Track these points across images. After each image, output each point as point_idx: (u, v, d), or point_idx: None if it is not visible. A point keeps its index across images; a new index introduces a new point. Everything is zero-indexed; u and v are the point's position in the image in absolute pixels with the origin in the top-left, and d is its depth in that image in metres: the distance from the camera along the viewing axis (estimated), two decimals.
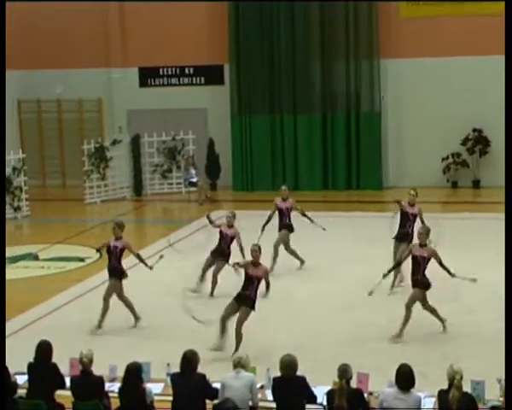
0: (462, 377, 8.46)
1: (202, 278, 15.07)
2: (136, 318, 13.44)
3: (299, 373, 9.03)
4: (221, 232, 14.96)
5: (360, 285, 15.24)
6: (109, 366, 10.12)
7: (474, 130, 24.19)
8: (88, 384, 9.20)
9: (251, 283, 11.99)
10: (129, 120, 26.45)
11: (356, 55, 24.65)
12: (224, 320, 11.99)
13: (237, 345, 11.73)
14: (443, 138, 24.36)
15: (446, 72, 24.20)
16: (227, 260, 14.39)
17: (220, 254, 14.78)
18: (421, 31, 24.22)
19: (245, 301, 11.92)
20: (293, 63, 24.92)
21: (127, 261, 16.12)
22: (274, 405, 9.08)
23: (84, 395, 9.13)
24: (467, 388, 8.75)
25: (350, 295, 14.84)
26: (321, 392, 9.16)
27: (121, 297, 13.36)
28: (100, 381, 9.29)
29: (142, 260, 13.61)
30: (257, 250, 12.12)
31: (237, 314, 11.94)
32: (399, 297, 14.66)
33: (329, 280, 15.75)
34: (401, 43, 24.51)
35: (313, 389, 9.16)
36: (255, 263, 12.09)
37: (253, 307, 11.93)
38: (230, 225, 14.94)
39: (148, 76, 26.46)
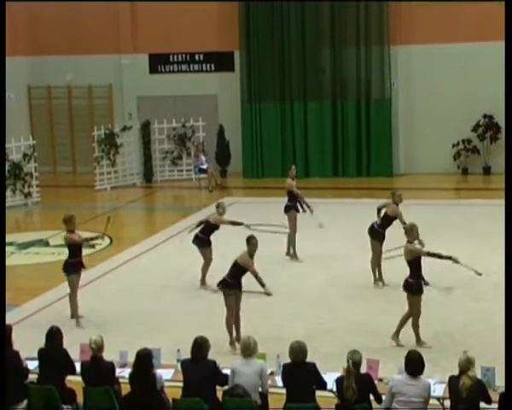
0: (474, 366, 8.48)
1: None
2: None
3: (308, 360, 9.05)
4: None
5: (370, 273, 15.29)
6: (120, 352, 10.14)
7: (485, 116, 24.09)
8: (98, 370, 9.22)
9: (242, 274, 12.09)
10: (139, 106, 26.43)
11: (366, 42, 24.54)
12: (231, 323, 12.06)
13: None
14: (453, 125, 24.28)
15: (457, 58, 24.09)
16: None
17: None
18: (431, 17, 24.08)
19: (238, 286, 12.02)
20: (304, 50, 24.83)
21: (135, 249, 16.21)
22: (284, 391, 9.10)
23: (94, 380, 9.16)
24: (477, 374, 8.74)
25: (361, 282, 14.84)
26: (331, 379, 9.16)
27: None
28: (110, 367, 9.31)
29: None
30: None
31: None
32: None
33: (340, 267, 15.74)
34: (412, 29, 24.38)
35: (323, 375, 9.16)
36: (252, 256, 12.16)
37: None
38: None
39: (158, 62, 26.42)
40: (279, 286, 14.35)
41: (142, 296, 14.27)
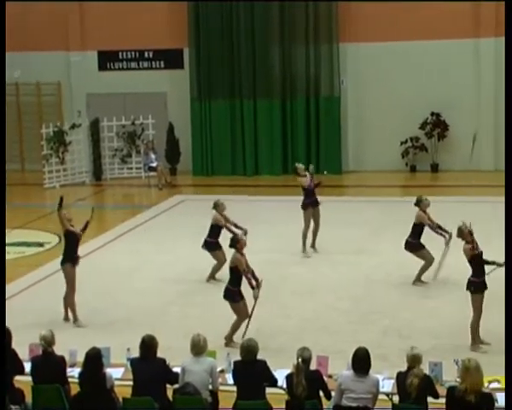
0: (421, 363, 8.58)
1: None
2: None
3: (259, 357, 9.07)
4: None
5: (326, 269, 15.41)
6: (69, 351, 10.06)
7: (433, 114, 24.34)
8: (48, 365, 9.17)
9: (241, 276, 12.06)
10: (88, 103, 26.23)
11: (315, 40, 24.63)
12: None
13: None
14: (402, 122, 24.49)
15: (404, 56, 24.31)
16: None
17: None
18: (380, 15, 24.24)
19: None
20: (253, 48, 24.85)
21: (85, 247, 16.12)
22: (234, 388, 9.11)
23: (44, 376, 9.09)
24: (425, 369, 8.85)
25: (310, 278, 14.93)
26: (281, 375, 9.19)
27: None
28: (61, 361, 9.27)
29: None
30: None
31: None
32: (362, 284, 14.84)
33: (291, 265, 15.80)
34: (361, 27, 24.53)
35: (274, 372, 9.19)
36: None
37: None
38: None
39: (107, 60, 26.24)
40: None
41: (93, 294, 14.17)
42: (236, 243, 12.04)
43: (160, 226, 19.29)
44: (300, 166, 16.76)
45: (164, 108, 25.96)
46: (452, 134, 24.36)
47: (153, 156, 24.32)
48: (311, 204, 16.27)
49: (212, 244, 14.76)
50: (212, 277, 14.78)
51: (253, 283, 11.89)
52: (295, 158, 25.02)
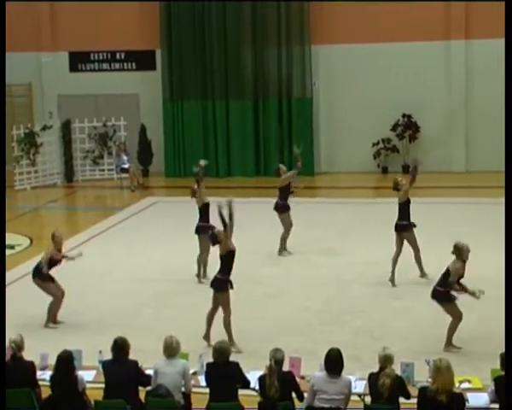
0: (392, 363, 8.62)
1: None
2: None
3: (231, 359, 9.06)
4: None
5: (298, 270, 15.43)
6: (40, 355, 9.99)
7: (404, 115, 24.47)
8: (18, 369, 9.10)
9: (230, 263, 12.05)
10: (59, 105, 26.10)
11: (288, 41, 24.68)
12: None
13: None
14: (373, 124, 24.60)
15: (376, 58, 24.42)
16: None
17: None
18: (351, 17, 24.35)
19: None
20: (225, 49, 24.85)
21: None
22: (207, 390, 9.10)
23: (14, 380, 9.01)
24: (397, 370, 8.89)
25: (285, 279, 14.94)
26: (254, 377, 9.19)
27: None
28: (31, 365, 9.21)
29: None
30: None
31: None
32: (334, 284, 14.87)
33: (263, 266, 15.81)
34: (332, 29, 24.61)
35: (246, 374, 9.20)
36: None
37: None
38: None
39: (78, 61, 26.13)
40: (202, 287, 14.36)
41: (65, 297, 14.06)
42: (216, 238, 11.91)
43: (132, 228, 19.23)
44: (283, 167, 16.77)
45: (136, 109, 25.88)
46: (423, 135, 24.50)
47: (125, 158, 24.23)
48: (287, 207, 16.29)
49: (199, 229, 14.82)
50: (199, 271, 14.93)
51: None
52: (268, 159, 25.14)
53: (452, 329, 11.47)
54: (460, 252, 11.42)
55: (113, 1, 25.10)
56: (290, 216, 16.31)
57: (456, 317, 11.41)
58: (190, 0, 24.72)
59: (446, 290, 11.39)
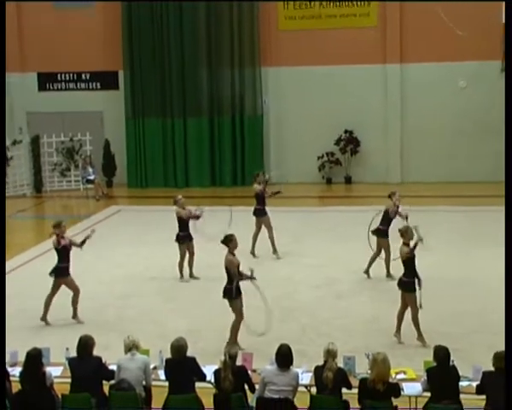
0: (335, 357, 8.66)
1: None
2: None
3: (189, 354, 9.03)
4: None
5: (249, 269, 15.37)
6: (9, 352, 9.86)
7: (346, 131, 24.65)
8: None
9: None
10: (29, 121, 25.83)
11: (240, 63, 24.74)
12: None
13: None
14: (318, 139, 24.72)
15: (321, 79, 24.56)
16: None
17: None
18: (297, 42, 24.51)
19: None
20: (183, 70, 24.83)
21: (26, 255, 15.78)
22: (166, 384, 9.05)
23: None
24: (340, 363, 8.94)
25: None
26: (210, 371, 9.18)
27: None
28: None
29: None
30: None
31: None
32: (284, 284, 14.87)
33: (218, 270, 15.74)
34: (280, 52, 24.77)
35: (203, 368, 9.17)
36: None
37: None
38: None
39: (46, 81, 25.91)
40: (159, 289, 14.30)
41: (34, 299, 13.88)
42: (229, 241, 11.73)
43: (96, 235, 19.03)
44: (261, 174, 16.93)
45: (100, 125, 25.73)
46: (363, 149, 24.70)
47: (90, 170, 24.09)
48: (261, 212, 16.34)
49: (177, 237, 14.93)
50: (190, 274, 15.00)
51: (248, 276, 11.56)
52: (222, 171, 25.17)
53: (415, 320, 11.40)
54: (405, 234, 11.55)
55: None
56: (263, 221, 16.36)
57: (414, 308, 11.42)
58: (150, 24, 24.68)
59: (412, 281, 11.34)
